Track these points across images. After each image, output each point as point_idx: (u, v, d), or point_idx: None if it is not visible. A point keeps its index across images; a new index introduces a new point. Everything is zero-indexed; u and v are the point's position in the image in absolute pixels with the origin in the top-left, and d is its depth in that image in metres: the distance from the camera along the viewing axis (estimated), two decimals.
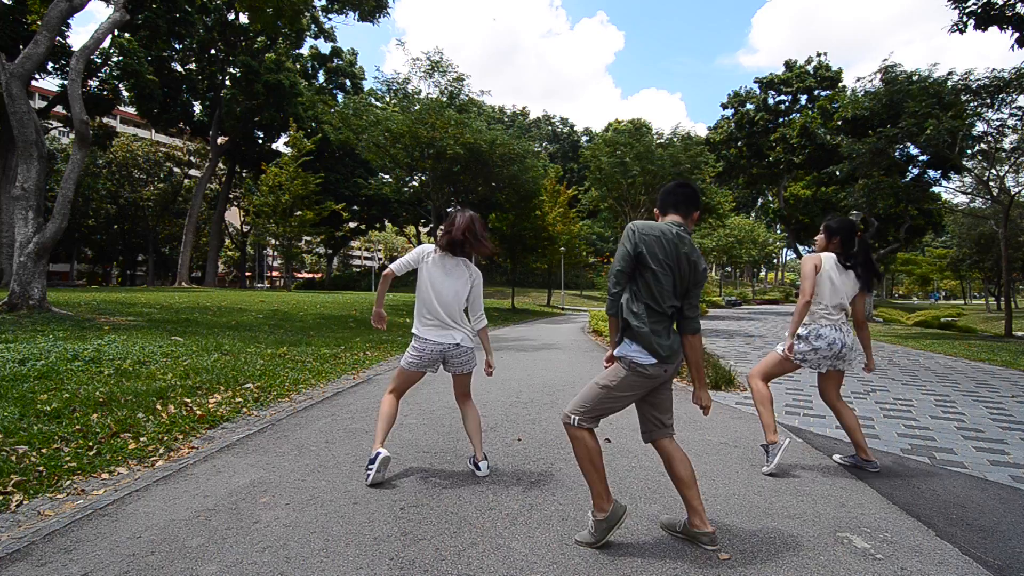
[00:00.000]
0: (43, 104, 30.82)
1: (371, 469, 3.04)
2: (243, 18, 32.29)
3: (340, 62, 43.51)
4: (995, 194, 17.34)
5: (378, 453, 3.05)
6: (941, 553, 2.37)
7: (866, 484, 3.23)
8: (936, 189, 23.78)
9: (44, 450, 3.39)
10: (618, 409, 2.40)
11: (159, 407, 4.42)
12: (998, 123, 15.67)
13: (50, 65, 25.16)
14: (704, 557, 2.30)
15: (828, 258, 3.38)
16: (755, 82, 39.13)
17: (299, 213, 34.21)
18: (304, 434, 4.14)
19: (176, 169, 48.81)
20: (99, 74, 29.46)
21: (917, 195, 20.49)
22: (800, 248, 38.16)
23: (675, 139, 28.63)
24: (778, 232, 47.04)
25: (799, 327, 3.42)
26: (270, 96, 33.55)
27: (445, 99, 22.15)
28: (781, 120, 37.17)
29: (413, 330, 3.29)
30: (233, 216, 55.85)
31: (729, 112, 40.51)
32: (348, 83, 43.97)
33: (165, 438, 3.84)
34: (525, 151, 22.32)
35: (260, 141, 39.56)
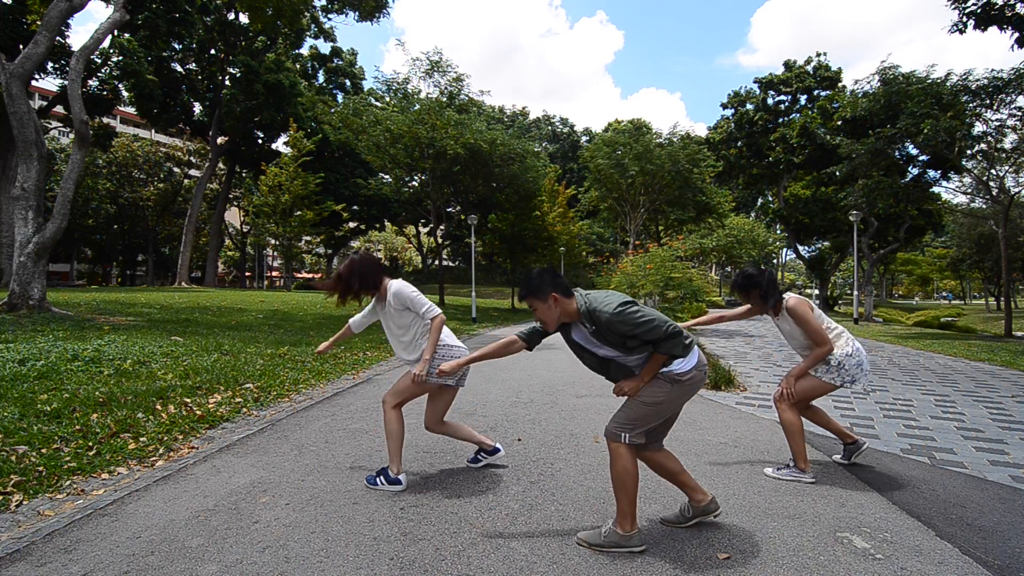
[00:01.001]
0: (43, 104, 30.78)
1: (385, 485, 3.03)
2: (243, 18, 32.26)
3: (340, 62, 43.50)
4: (995, 194, 17.34)
5: (399, 479, 3.03)
6: (941, 553, 2.37)
7: (866, 484, 3.23)
8: (936, 189, 23.76)
9: (44, 450, 3.39)
10: (659, 422, 2.50)
11: (159, 407, 4.42)
12: (997, 123, 15.66)
13: (50, 65, 25.14)
14: (704, 557, 2.30)
15: (802, 297, 3.37)
16: (755, 82, 39.11)
17: (299, 213, 34.18)
18: (304, 434, 4.14)
19: (176, 169, 48.76)
20: (99, 74, 29.43)
21: (917, 195, 20.48)
22: (800, 248, 38.16)
23: (673, 139, 28.68)
24: (778, 232, 47.01)
25: (809, 369, 3.33)
26: (270, 96, 33.51)
27: (445, 99, 22.14)
28: (781, 120, 37.15)
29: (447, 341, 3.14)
30: (233, 216, 55.79)
31: (729, 112, 40.50)
32: (348, 83, 43.96)
33: (165, 438, 3.84)
34: (525, 151, 22.30)
35: (260, 141, 39.52)
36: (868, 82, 19.41)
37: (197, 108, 37.97)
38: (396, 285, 3.06)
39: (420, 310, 3.03)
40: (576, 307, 2.37)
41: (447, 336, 3.15)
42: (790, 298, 3.29)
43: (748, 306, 3.45)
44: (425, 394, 3.19)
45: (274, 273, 70.11)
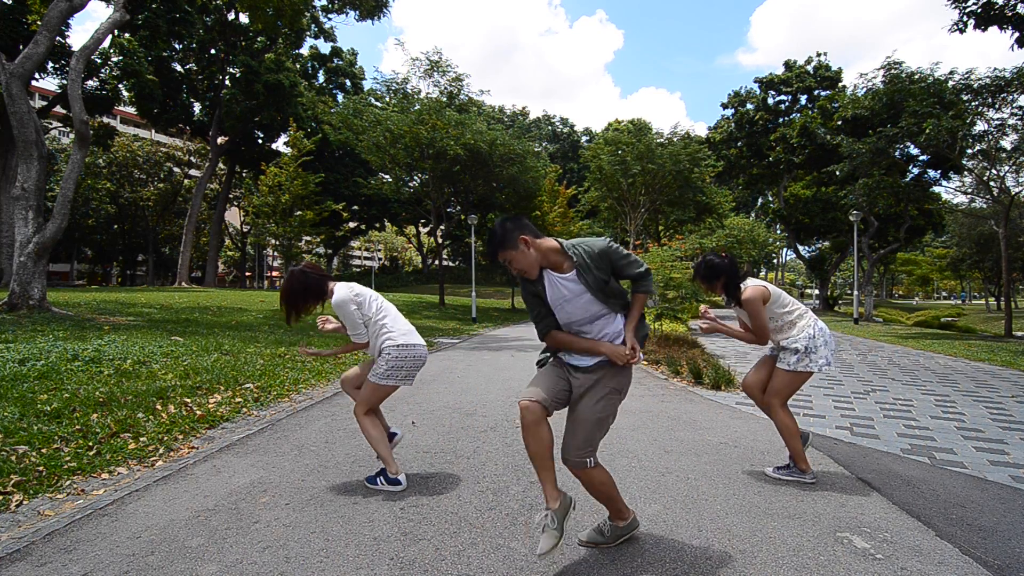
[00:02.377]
0: (43, 104, 30.78)
1: (385, 485, 3.03)
2: (243, 18, 32.26)
3: (340, 62, 43.48)
4: (995, 194, 17.33)
5: (399, 479, 3.04)
6: (941, 553, 2.37)
7: (866, 484, 3.22)
8: (936, 189, 23.76)
9: (44, 450, 3.39)
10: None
11: (159, 407, 4.42)
12: (998, 122, 15.65)
13: (50, 65, 25.13)
14: (704, 557, 2.30)
15: (760, 282, 3.29)
16: (755, 82, 39.05)
17: (299, 213, 34.16)
18: (304, 434, 4.14)
19: (176, 169, 48.77)
20: (99, 74, 29.41)
21: (917, 195, 20.48)
22: (800, 248, 38.14)
23: (675, 138, 28.68)
24: (778, 232, 47.02)
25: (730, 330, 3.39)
26: (270, 96, 33.51)
27: (444, 99, 22.13)
28: (781, 120, 37.10)
29: (402, 341, 3.09)
30: (233, 216, 55.81)
31: (729, 112, 40.45)
32: (348, 83, 43.94)
33: (165, 438, 3.84)
34: (525, 151, 22.28)
35: (260, 141, 39.51)
36: (873, 77, 19.41)
37: (197, 108, 37.96)
38: (337, 295, 3.05)
39: (354, 332, 3.08)
40: (556, 244, 2.21)
41: (408, 335, 3.13)
42: (747, 288, 3.23)
43: (740, 319, 3.42)
44: (389, 396, 3.18)
45: (274, 273, 70.12)
